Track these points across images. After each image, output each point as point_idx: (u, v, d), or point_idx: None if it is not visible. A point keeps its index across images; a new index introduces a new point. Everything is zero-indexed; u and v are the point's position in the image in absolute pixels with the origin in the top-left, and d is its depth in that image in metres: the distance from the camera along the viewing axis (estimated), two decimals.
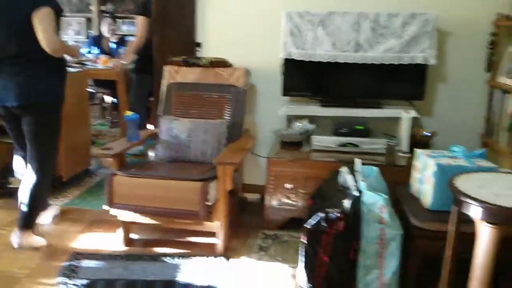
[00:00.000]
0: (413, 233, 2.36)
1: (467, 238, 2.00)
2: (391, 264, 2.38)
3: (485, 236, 1.85)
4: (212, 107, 3.22)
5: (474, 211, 1.87)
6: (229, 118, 3.17)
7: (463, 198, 1.91)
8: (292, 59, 3.21)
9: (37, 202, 2.87)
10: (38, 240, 2.86)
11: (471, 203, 1.87)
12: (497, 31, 3.12)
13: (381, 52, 3.09)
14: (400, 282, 2.41)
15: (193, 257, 2.74)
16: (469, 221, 1.95)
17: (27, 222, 2.83)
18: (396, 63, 3.09)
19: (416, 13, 3.04)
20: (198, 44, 3.58)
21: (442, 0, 3.20)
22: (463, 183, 2.01)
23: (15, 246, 2.80)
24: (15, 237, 2.82)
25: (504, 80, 2.92)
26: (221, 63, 3.34)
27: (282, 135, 3.28)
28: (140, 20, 4.27)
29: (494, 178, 2.11)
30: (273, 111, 3.42)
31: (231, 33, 3.49)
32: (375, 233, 2.35)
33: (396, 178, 2.77)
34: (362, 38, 3.09)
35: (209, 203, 2.64)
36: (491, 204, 1.81)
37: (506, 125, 2.83)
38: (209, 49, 3.55)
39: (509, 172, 2.37)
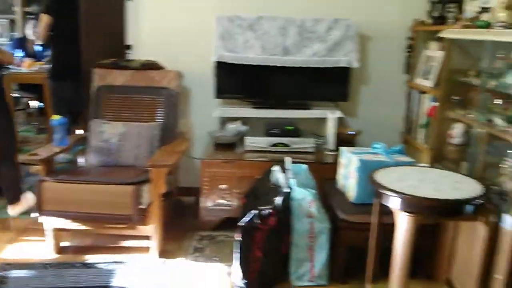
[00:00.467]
0: (340, 225, 2.50)
1: (389, 229, 2.16)
2: (321, 256, 2.51)
3: (403, 225, 2.01)
4: (144, 110, 3.21)
5: (393, 202, 2.03)
6: (162, 120, 3.17)
7: (382, 191, 2.06)
8: (224, 62, 3.27)
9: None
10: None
11: (390, 195, 2.03)
12: (414, 36, 3.36)
13: (308, 56, 3.23)
14: (329, 273, 2.55)
15: (127, 262, 2.72)
16: (390, 212, 2.11)
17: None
18: (321, 66, 3.24)
19: (339, 18, 3.22)
20: (128, 47, 3.54)
21: (364, 7, 3.40)
22: (382, 177, 2.17)
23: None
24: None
25: (420, 81, 3.15)
26: (153, 66, 3.33)
27: (216, 137, 3.32)
28: (42, 18, 4.01)
29: (411, 171, 2.29)
30: (208, 113, 3.45)
31: (164, 36, 3.49)
32: (305, 227, 2.47)
33: (324, 175, 2.92)
34: (289, 42, 3.22)
35: (143, 207, 2.64)
36: (408, 195, 1.98)
37: (422, 122, 3.06)
38: (140, 52, 3.52)
39: (424, 166, 2.58)
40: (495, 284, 2.07)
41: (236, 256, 2.41)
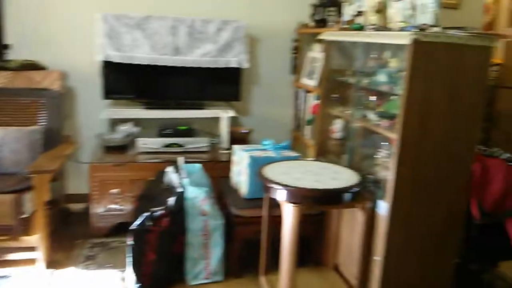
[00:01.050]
0: (233, 221, 2.56)
1: (279, 221, 2.25)
2: (216, 252, 2.54)
3: (289, 216, 2.11)
4: (24, 113, 2.99)
5: (279, 195, 2.13)
6: (44, 124, 2.98)
7: (269, 184, 2.15)
8: (112, 62, 3.17)
9: None
10: None
11: (276, 188, 2.12)
12: (299, 38, 3.54)
13: (199, 56, 3.25)
14: (225, 267, 2.60)
15: (12, 276, 2.52)
16: (279, 205, 2.21)
17: None
18: (213, 66, 3.28)
19: (229, 20, 3.29)
20: (6, 46, 3.28)
21: (252, 9, 3.52)
22: (270, 171, 2.26)
23: None
24: None
25: (306, 81, 3.33)
26: (33, 66, 3.12)
27: (106, 140, 3.21)
28: None
29: (296, 165, 2.42)
30: (96, 115, 3.32)
31: (47, 34, 3.28)
32: (199, 225, 2.48)
33: (219, 173, 2.97)
34: (180, 42, 3.22)
35: (25, 216, 2.47)
36: (292, 187, 2.09)
37: (308, 119, 3.24)
38: (22, 51, 3.28)
39: (308, 160, 2.73)
40: (374, 266, 2.26)
41: (129, 261, 2.36)
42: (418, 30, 1.98)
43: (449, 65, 2.02)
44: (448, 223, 2.24)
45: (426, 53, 1.97)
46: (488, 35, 2.07)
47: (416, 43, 1.91)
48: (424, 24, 2.04)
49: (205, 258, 2.54)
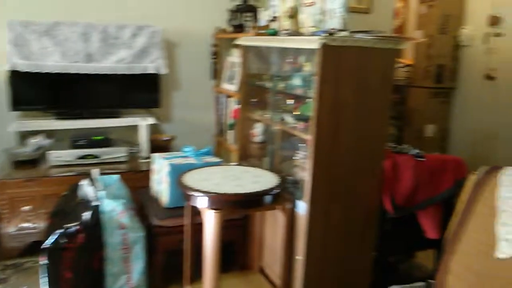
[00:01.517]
0: (155, 232, 2.49)
1: (202, 229, 2.22)
2: (138, 266, 2.45)
3: (210, 222, 2.09)
4: None
5: (200, 202, 2.10)
6: None
7: (189, 192, 2.12)
8: (19, 71, 2.97)
9: None
10: None
11: (196, 195, 2.10)
12: (217, 43, 3.54)
13: (113, 62, 3.14)
14: (148, 280, 2.52)
15: None
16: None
17: None
18: (128, 73, 3.18)
19: (143, 25, 3.20)
20: None
21: (168, 14, 3.46)
22: (190, 178, 2.23)
23: None
24: None
25: (226, 86, 3.34)
26: None
27: (14, 154, 3.00)
28: None
29: (217, 171, 2.40)
30: (3, 128, 3.10)
31: None
32: (118, 239, 2.39)
33: (139, 183, 2.89)
34: (92, 48, 3.09)
35: None
36: (212, 193, 2.07)
37: (229, 124, 3.25)
38: None
39: (230, 165, 2.73)
40: (297, 265, 2.30)
41: (44, 281, 2.21)
42: (327, 34, 2.04)
43: (357, 68, 2.11)
44: (365, 218, 2.34)
45: (335, 56, 2.04)
46: (393, 38, 2.19)
47: (325, 47, 1.98)
48: (333, 29, 2.11)
49: (126, 273, 2.44)
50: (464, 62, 4.25)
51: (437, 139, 4.36)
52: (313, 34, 2.17)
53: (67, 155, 2.98)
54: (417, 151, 2.45)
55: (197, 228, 2.36)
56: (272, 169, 2.55)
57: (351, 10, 3.79)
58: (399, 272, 2.91)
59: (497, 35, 3.86)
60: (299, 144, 2.46)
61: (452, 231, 1.69)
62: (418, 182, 2.36)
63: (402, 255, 2.97)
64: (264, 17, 2.97)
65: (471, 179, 1.73)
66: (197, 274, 2.47)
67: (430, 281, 1.72)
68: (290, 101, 2.59)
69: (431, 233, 2.44)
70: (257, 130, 2.79)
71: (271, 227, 2.54)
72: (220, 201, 2.07)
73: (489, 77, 3.94)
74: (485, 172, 1.68)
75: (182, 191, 2.21)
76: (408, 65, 4.52)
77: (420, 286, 2.28)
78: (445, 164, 2.42)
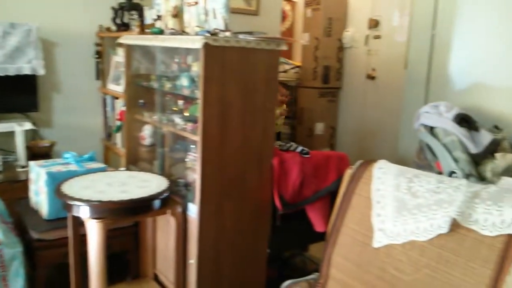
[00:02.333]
0: (35, 246, 2.30)
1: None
2: (17, 284, 2.24)
3: (94, 232, 1.97)
4: None
5: (82, 211, 1.97)
6: None
7: (69, 201, 1.98)
8: None
9: None
10: None
11: (77, 204, 1.96)
12: (101, 42, 3.36)
13: None
14: None
15: None
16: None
17: None
18: (1, 74, 2.90)
19: (17, 23, 2.94)
20: None
21: (44, 11, 3.20)
22: (70, 187, 2.09)
23: None
24: None
25: (112, 87, 3.18)
26: None
27: None
28: None
29: (101, 177, 2.28)
30: None
31: None
32: None
33: (17, 194, 2.64)
34: None
35: None
36: (95, 201, 1.95)
37: (115, 127, 3.11)
38: None
39: (116, 170, 2.61)
40: (190, 269, 2.26)
41: None
42: (210, 34, 2.03)
43: (241, 68, 2.13)
44: (257, 216, 2.37)
45: (219, 56, 2.03)
46: (275, 39, 2.24)
47: (207, 47, 1.96)
48: (216, 29, 2.10)
49: None
50: (348, 63, 4.53)
51: (326, 136, 4.60)
52: (196, 34, 2.15)
53: None
54: (302, 148, 2.53)
55: (83, 239, 2.21)
56: (162, 172, 2.48)
57: (238, 12, 3.86)
58: (293, 267, 3.01)
59: (376, 37, 4.16)
60: (190, 146, 2.43)
61: (332, 224, 1.77)
62: (304, 178, 2.45)
63: (295, 249, 3.07)
64: (149, 15, 2.89)
65: (348, 173, 1.82)
66: (86, 287, 2.32)
67: (316, 274, 1.78)
68: (180, 102, 2.54)
69: (319, 226, 2.54)
70: (146, 133, 2.70)
71: (164, 232, 2.47)
72: (103, 210, 1.96)
73: (370, 77, 4.23)
74: (359, 166, 1.79)
75: (61, 201, 2.05)
76: (297, 67, 4.70)
77: (312, 279, 2.37)
78: (329, 160, 2.54)
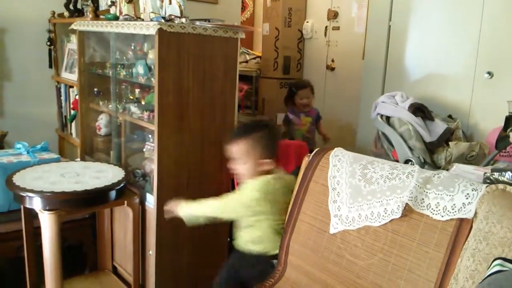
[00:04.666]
0: None
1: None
2: None
3: (47, 224, 1.90)
4: None
5: (34, 203, 1.90)
6: None
7: (20, 193, 1.90)
8: None
9: None
10: None
11: (29, 196, 1.89)
12: (54, 29, 3.24)
13: None
14: None
15: None
16: None
17: None
18: None
19: None
20: None
21: None
22: (21, 178, 2.01)
23: None
24: None
25: (66, 75, 3.08)
26: None
27: None
28: None
29: (54, 168, 2.20)
30: None
31: None
32: None
33: None
34: None
35: None
36: (47, 192, 1.89)
37: (70, 117, 3.01)
38: None
39: (70, 161, 2.53)
40: (149, 260, 2.22)
41: None
42: (165, 21, 1.99)
43: (199, 55, 2.10)
44: None
45: (175, 43, 2.00)
46: (231, 27, 2.21)
47: (162, 33, 1.92)
48: (172, 15, 2.06)
49: None
50: (308, 53, 4.55)
51: None
52: (151, 20, 2.10)
53: None
54: None
55: (38, 231, 2.13)
56: (119, 163, 2.43)
57: (197, 0, 3.79)
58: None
59: (335, 28, 4.20)
60: (148, 136, 2.38)
61: (290, 212, 1.78)
62: None
63: None
64: (103, 1, 2.81)
65: (305, 161, 1.83)
66: (42, 281, 2.25)
67: (274, 261, 1.79)
68: (137, 91, 2.49)
69: None
70: (102, 122, 2.63)
71: (121, 224, 2.42)
72: (56, 201, 1.89)
73: (330, 68, 4.27)
74: (316, 153, 1.80)
75: (13, 193, 1.97)
76: (258, 57, 4.69)
77: None
78: (289, 149, 2.56)
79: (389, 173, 1.59)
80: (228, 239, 2.47)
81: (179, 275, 2.29)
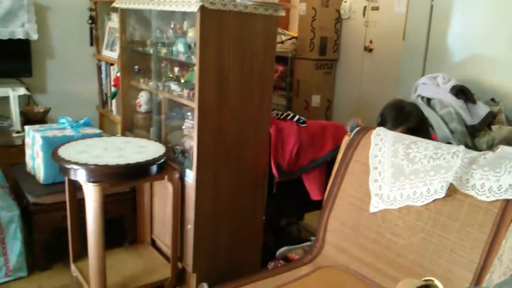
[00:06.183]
0: (32, 210, 2.31)
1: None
2: (15, 247, 2.28)
3: (91, 196, 1.96)
4: None
5: (79, 175, 1.97)
6: None
7: (67, 165, 1.97)
8: None
9: None
10: None
11: (74, 168, 1.95)
12: (95, 7, 3.30)
13: None
14: (30, 261, 2.34)
15: None
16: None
17: None
18: None
19: None
20: None
21: None
22: (66, 151, 2.07)
23: None
24: None
25: (107, 53, 3.14)
26: None
27: None
28: None
29: (97, 142, 2.26)
30: None
31: None
32: None
33: (13, 159, 2.64)
34: None
35: None
36: (92, 165, 1.95)
37: (111, 94, 3.08)
38: None
39: (111, 136, 2.60)
40: (187, 234, 2.27)
41: None
42: None
43: (239, 33, 2.10)
44: (253, 184, 2.37)
45: (216, 21, 2.00)
46: (272, 4, 2.19)
47: (203, 10, 1.93)
48: None
49: (3, 255, 2.24)
50: (345, 34, 4.48)
51: (322, 108, 4.58)
52: None
53: None
54: (299, 117, 2.53)
55: (81, 203, 2.21)
56: (159, 139, 2.47)
57: None
58: (289, 234, 3.04)
59: (374, 8, 4.11)
60: (187, 113, 2.41)
61: (329, 190, 1.78)
62: (301, 147, 2.45)
63: (291, 217, 3.10)
64: None
65: (346, 139, 1.82)
66: (84, 251, 2.34)
67: (313, 238, 1.80)
68: (176, 68, 2.51)
69: (315, 194, 2.56)
70: (142, 100, 2.68)
71: (160, 198, 2.48)
72: (100, 174, 1.95)
73: (368, 49, 4.19)
74: (357, 132, 1.79)
75: (58, 165, 2.05)
76: (294, 37, 4.65)
77: (307, 245, 2.40)
78: (326, 129, 2.54)
79: (433, 153, 1.56)
80: (264, 218, 2.50)
81: (215, 250, 2.33)
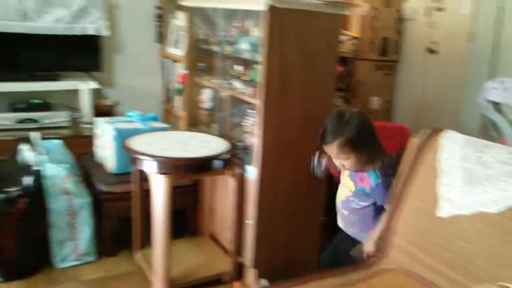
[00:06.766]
0: (101, 198, 2.43)
1: (150, 195, 2.17)
2: (85, 232, 2.40)
3: (159, 187, 2.05)
4: None
5: (148, 166, 2.06)
6: None
7: (136, 156, 2.07)
8: None
9: None
10: None
11: (144, 159, 2.05)
12: (162, 5, 3.41)
13: (51, 22, 2.95)
14: (98, 247, 2.47)
15: None
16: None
17: None
18: (68, 34, 3.00)
19: None
20: None
21: None
22: (136, 143, 2.17)
23: None
24: None
25: (172, 50, 3.24)
26: None
27: None
28: None
29: (163, 136, 2.36)
30: None
31: None
32: (63, 205, 2.31)
33: (82, 149, 2.79)
34: (27, 6, 2.87)
35: None
36: (160, 157, 2.03)
37: (175, 90, 3.17)
38: None
39: (177, 131, 2.69)
40: (247, 229, 2.32)
41: None
42: None
43: (303, 32, 2.11)
44: (312, 182, 2.38)
45: (281, 19, 2.02)
46: (337, 3, 2.19)
47: (271, 9, 1.95)
48: None
49: (73, 239, 2.38)
50: (407, 35, 4.38)
51: (382, 111, 4.50)
52: None
53: (5, 118, 2.82)
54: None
55: (146, 194, 2.31)
56: (222, 135, 2.53)
57: None
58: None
59: (439, 9, 3.99)
60: (249, 110, 2.45)
61: (396, 192, 1.76)
62: None
63: None
64: None
65: (414, 142, 1.80)
66: (147, 240, 2.43)
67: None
68: (239, 66, 2.56)
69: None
70: (206, 96, 2.75)
71: (222, 193, 2.54)
72: (168, 165, 2.03)
73: (431, 51, 4.08)
74: (427, 135, 1.76)
75: (128, 156, 2.15)
76: (354, 38, 4.59)
77: None
78: (391, 132, 2.51)
79: (507, 158, 1.51)
80: (323, 218, 2.50)
81: (274, 246, 2.36)
